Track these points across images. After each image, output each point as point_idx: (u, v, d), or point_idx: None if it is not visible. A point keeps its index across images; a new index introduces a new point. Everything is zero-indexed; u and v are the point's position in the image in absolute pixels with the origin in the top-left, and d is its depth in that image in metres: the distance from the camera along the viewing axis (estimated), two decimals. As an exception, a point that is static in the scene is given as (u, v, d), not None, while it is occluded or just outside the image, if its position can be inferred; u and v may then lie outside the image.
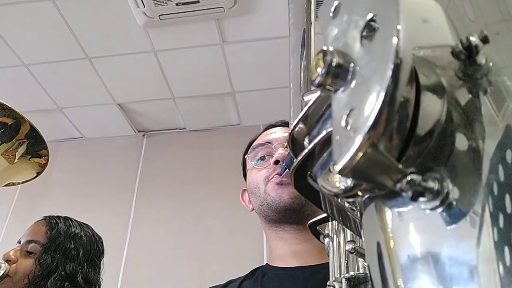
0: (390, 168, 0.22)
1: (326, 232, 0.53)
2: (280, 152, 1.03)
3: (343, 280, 0.48)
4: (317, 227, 0.53)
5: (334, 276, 0.49)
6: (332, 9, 0.26)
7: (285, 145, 1.05)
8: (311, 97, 0.48)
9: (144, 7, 2.34)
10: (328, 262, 0.97)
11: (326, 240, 0.53)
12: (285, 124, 1.16)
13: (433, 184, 0.22)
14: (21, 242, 1.52)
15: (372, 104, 0.21)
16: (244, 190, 1.18)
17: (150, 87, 2.96)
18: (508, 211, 0.20)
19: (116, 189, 3.08)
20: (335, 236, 0.51)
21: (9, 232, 2.91)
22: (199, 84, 2.94)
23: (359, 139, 0.21)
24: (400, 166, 0.22)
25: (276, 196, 1.01)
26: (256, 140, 1.16)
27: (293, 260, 1.02)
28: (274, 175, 1.02)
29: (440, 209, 0.22)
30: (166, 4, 2.34)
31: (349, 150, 0.21)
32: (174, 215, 2.92)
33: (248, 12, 2.44)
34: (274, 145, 1.08)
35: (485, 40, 0.22)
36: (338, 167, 0.22)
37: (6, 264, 1.39)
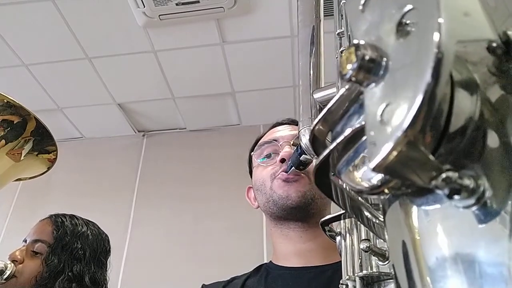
0: (425, 165, 0.21)
1: (338, 230, 0.52)
2: (286, 150, 1.03)
3: (357, 279, 0.47)
4: (329, 226, 0.53)
5: (347, 275, 0.49)
6: (362, 2, 0.26)
7: (291, 143, 1.05)
8: (322, 95, 0.47)
9: (144, 7, 2.34)
10: (333, 263, 0.97)
11: (338, 238, 0.52)
12: (292, 122, 1.16)
13: (469, 182, 0.22)
14: (27, 242, 1.50)
15: (410, 101, 0.20)
16: (250, 187, 1.19)
17: (150, 87, 2.95)
18: None
19: (116, 189, 3.08)
20: (347, 235, 0.51)
21: (10, 232, 2.91)
22: (199, 84, 2.94)
23: (396, 137, 0.20)
24: (437, 162, 0.21)
25: (282, 193, 1.01)
26: (263, 138, 1.16)
27: (297, 259, 1.02)
28: (280, 172, 1.02)
29: (474, 208, 0.22)
30: (166, 4, 2.33)
31: (385, 147, 0.21)
32: (174, 215, 2.92)
33: (248, 12, 2.43)
34: (280, 143, 1.08)
35: (523, 35, 0.22)
36: (373, 164, 0.21)
37: (13, 264, 1.38)
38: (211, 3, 2.34)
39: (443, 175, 0.21)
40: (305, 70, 0.47)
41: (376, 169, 0.21)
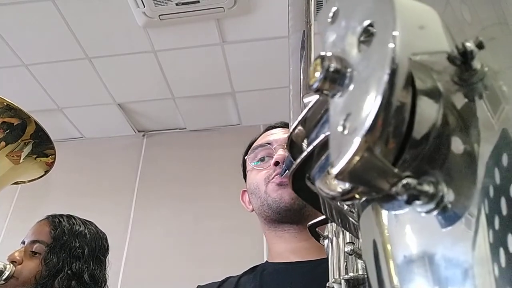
0: (386, 172, 0.22)
1: (326, 233, 0.53)
2: (280, 153, 1.04)
3: (343, 282, 0.48)
4: (317, 229, 0.54)
5: (334, 278, 0.49)
6: (331, 14, 0.26)
7: (285, 146, 1.05)
8: (311, 100, 0.48)
9: (144, 7, 2.34)
10: (327, 258, 0.97)
11: (326, 241, 0.53)
12: (285, 125, 1.16)
13: (428, 188, 0.22)
14: (25, 243, 1.51)
15: (369, 109, 0.21)
16: (244, 191, 1.19)
17: (150, 87, 2.96)
18: (504, 213, 0.21)
19: (116, 189, 3.09)
20: (334, 238, 0.52)
21: (9, 232, 2.91)
22: (199, 84, 2.94)
23: (355, 143, 0.21)
24: (396, 170, 0.22)
25: (276, 197, 1.01)
26: (256, 141, 1.16)
27: (292, 256, 1.02)
28: (275, 176, 1.03)
29: (435, 212, 0.23)
30: (166, 4, 2.34)
31: (345, 154, 0.21)
32: (174, 215, 2.93)
33: (248, 12, 2.44)
34: (274, 146, 1.08)
35: (480, 45, 0.23)
36: (335, 171, 0.22)
37: (12, 265, 1.39)
38: (211, 3, 2.34)
39: (403, 182, 0.22)
40: (295, 74, 0.48)
41: (338, 176, 0.22)
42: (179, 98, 3.06)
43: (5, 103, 1.14)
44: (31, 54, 2.70)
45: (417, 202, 0.23)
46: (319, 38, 0.55)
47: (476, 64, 0.23)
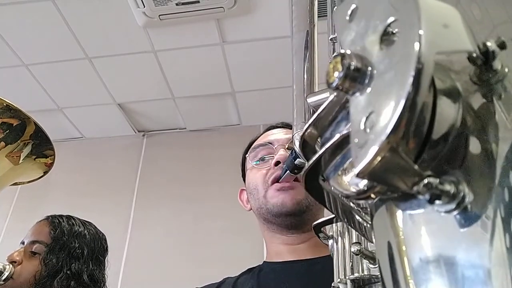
0: (407, 171, 0.22)
1: (330, 233, 0.53)
2: (281, 153, 1.03)
3: (348, 282, 0.48)
4: (322, 229, 0.54)
5: (339, 278, 0.49)
6: (349, 12, 0.26)
7: (286, 146, 1.05)
8: (315, 99, 0.48)
9: (144, 7, 2.34)
10: (325, 256, 0.98)
11: (330, 241, 0.53)
12: (286, 126, 1.16)
13: (449, 187, 0.22)
14: (25, 243, 1.52)
15: (393, 109, 0.21)
16: (242, 189, 1.19)
17: (150, 87, 2.96)
18: None
19: (116, 189, 3.08)
20: (339, 238, 0.52)
21: (9, 232, 2.91)
22: (199, 84, 2.94)
23: (379, 143, 0.21)
24: (418, 169, 0.22)
25: (277, 202, 1.00)
26: (257, 141, 1.16)
27: (290, 255, 1.02)
28: (273, 180, 1.02)
29: (455, 212, 0.23)
30: (166, 4, 2.34)
31: (368, 153, 0.21)
32: (174, 215, 2.92)
33: (248, 12, 2.44)
34: (275, 146, 1.08)
35: (502, 45, 0.23)
36: (357, 170, 0.22)
37: (11, 265, 1.39)
38: (211, 3, 2.34)
39: (425, 181, 0.22)
40: (299, 74, 0.48)
41: (360, 175, 0.22)
42: (179, 98, 3.06)
43: (4, 104, 1.14)
44: (31, 54, 2.70)
45: (438, 202, 0.22)
46: (321, 39, 0.55)
47: (497, 64, 0.23)
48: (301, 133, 0.32)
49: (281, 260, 1.03)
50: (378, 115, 0.22)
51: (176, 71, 2.83)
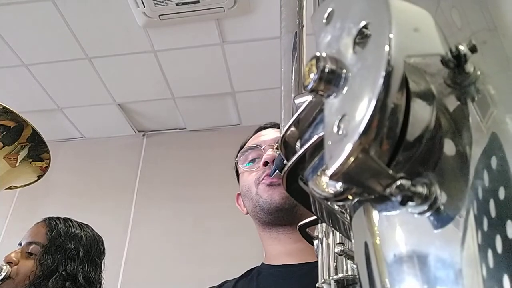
0: (380, 173, 0.22)
1: (316, 234, 0.53)
2: (269, 153, 1.04)
3: (332, 282, 0.48)
4: (307, 229, 0.54)
5: (323, 278, 0.50)
6: (326, 15, 0.27)
7: (275, 146, 1.06)
8: (302, 100, 0.48)
9: (144, 7, 2.34)
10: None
11: (316, 242, 0.53)
12: (275, 125, 1.17)
13: (422, 189, 0.23)
14: (22, 244, 1.53)
15: (364, 110, 0.21)
16: (239, 194, 1.19)
17: (150, 87, 2.96)
18: (492, 215, 0.21)
19: (116, 189, 3.08)
20: (324, 238, 0.52)
21: (9, 233, 2.91)
22: (199, 84, 2.94)
23: (350, 144, 0.21)
24: (390, 171, 0.22)
25: (267, 198, 1.02)
26: (247, 144, 1.17)
27: (288, 258, 1.02)
28: (264, 177, 1.03)
29: (428, 214, 0.23)
30: (166, 4, 2.34)
31: (340, 155, 0.22)
32: (174, 215, 2.93)
33: (248, 12, 2.44)
34: (263, 147, 1.09)
35: (473, 49, 0.23)
36: (329, 172, 0.22)
37: (8, 266, 1.40)
38: (211, 3, 2.34)
39: (397, 183, 0.22)
40: (287, 75, 0.48)
41: (333, 177, 0.22)
42: (179, 98, 3.06)
43: (1, 107, 1.14)
44: (31, 54, 2.70)
45: (411, 203, 0.23)
46: (311, 39, 0.55)
47: (469, 67, 0.23)
48: (281, 134, 0.32)
49: (279, 264, 1.03)
50: (351, 117, 0.22)
51: (176, 71, 2.83)
